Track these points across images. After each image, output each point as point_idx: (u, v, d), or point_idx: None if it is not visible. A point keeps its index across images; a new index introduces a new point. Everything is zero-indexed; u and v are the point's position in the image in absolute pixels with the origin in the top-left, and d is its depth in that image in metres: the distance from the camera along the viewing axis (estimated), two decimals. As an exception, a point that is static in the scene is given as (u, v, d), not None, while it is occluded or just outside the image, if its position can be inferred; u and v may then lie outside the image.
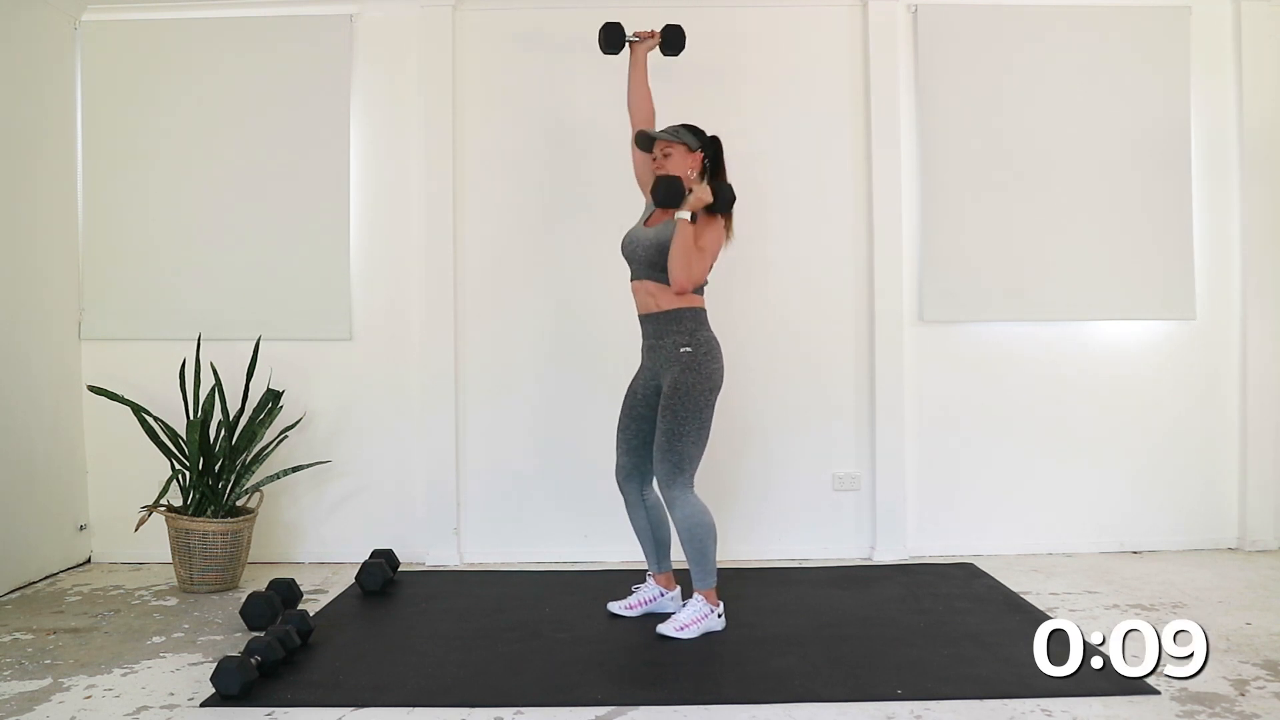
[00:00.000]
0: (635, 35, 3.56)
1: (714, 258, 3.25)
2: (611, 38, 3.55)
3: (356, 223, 4.25)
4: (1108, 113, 4.23)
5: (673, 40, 3.63)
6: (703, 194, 3.16)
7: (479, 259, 4.24)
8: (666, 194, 3.15)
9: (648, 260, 3.23)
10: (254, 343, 4.08)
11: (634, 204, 3.57)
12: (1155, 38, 4.26)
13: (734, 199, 3.23)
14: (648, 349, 3.32)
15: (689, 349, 3.17)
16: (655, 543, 3.41)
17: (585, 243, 4.16)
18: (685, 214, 3.14)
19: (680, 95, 3.96)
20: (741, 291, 4.19)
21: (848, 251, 4.26)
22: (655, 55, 3.65)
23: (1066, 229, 4.22)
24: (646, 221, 3.35)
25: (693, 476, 3.19)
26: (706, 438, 3.19)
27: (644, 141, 3.38)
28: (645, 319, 3.29)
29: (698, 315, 3.23)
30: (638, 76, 3.53)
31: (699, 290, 3.25)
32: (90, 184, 4.26)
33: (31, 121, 4.03)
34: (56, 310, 4.16)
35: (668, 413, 3.15)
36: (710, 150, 3.31)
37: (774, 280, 4.25)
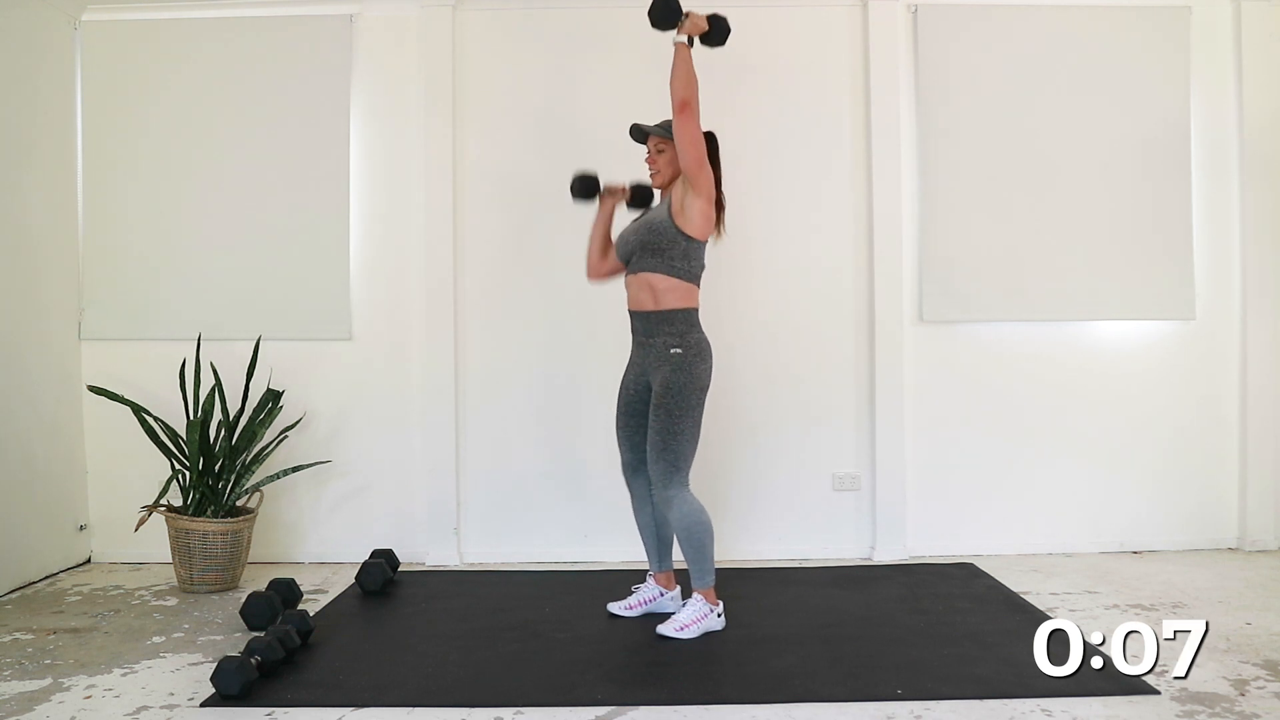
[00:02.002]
0: (606, 189, 3.52)
1: (710, 188, 3.18)
2: (585, 187, 3.50)
3: (356, 222, 4.26)
4: (1108, 113, 4.24)
5: (718, 31, 3.35)
6: (698, 21, 3.17)
7: (479, 259, 4.25)
8: (663, 12, 3.15)
9: (639, 243, 3.24)
10: (254, 343, 4.08)
11: (626, 180, 3.58)
12: (1155, 38, 4.26)
13: (728, 31, 3.23)
14: (637, 345, 3.33)
15: (679, 350, 3.17)
16: (658, 540, 3.42)
17: (585, 242, 4.15)
18: (682, 38, 3.15)
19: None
20: (742, 291, 4.20)
21: (848, 251, 4.26)
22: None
23: (1066, 229, 4.22)
24: (635, 221, 3.39)
25: (688, 475, 3.19)
26: (698, 436, 3.20)
27: (638, 134, 3.38)
28: (637, 315, 3.29)
29: (690, 317, 3.23)
30: (601, 228, 3.51)
31: (693, 280, 3.24)
32: (90, 184, 4.26)
33: (31, 121, 4.03)
34: (56, 310, 4.16)
35: (660, 413, 3.15)
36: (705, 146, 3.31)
37: (774, 280, 4.25)
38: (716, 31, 3.23)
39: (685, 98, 3.11)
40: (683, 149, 3.12)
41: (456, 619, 3.40)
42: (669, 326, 3.20)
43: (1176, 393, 4.29)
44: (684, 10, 3.18)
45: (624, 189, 3.53)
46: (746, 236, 4.10)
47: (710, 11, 3.23)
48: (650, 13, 3.19)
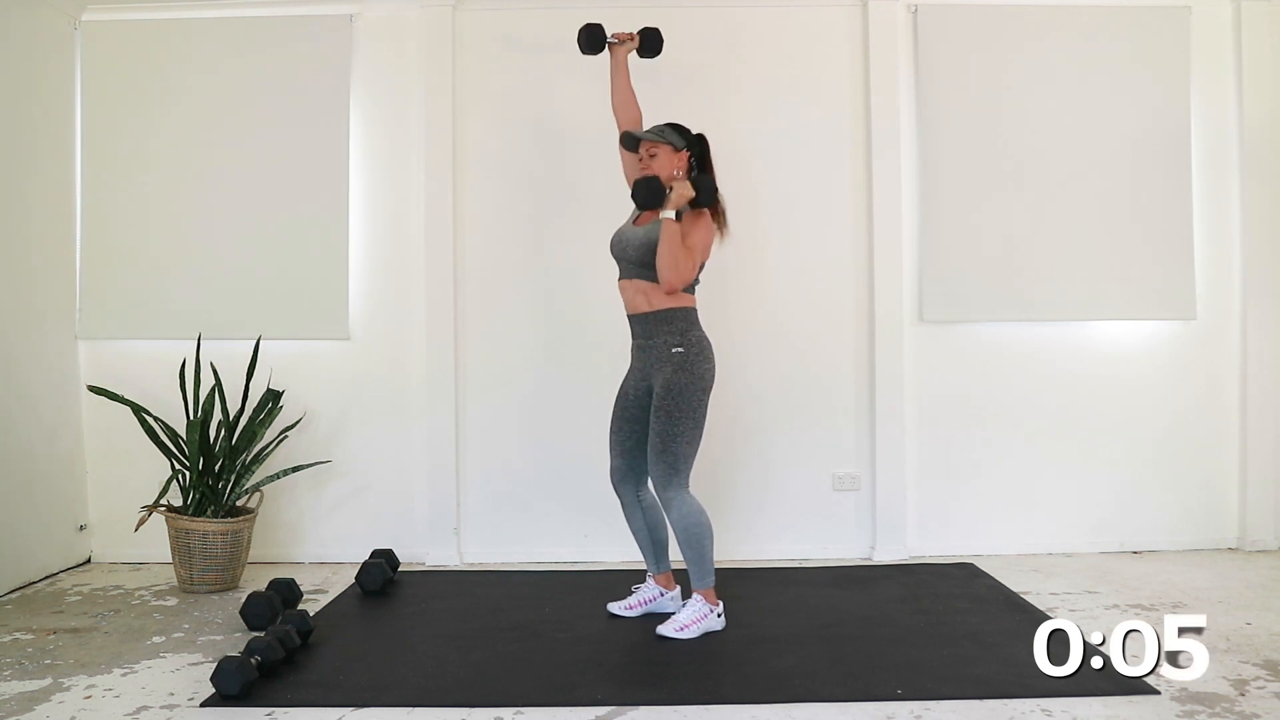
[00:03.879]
0: (614, 37, 3.55)
1: (704, 254, 3.24)
2: (592, 39, 3.53)
3: (356, 222, 4.25)
4: (1108, 113, 4.23)
5: (650, 43, 3.61)
6: (684, 191, 3.15)
7: (478, 258, 4.24)
8: (646, 195, 3.14)
9: (638, 259, 3.22)
10: (254, 343, 4.08)
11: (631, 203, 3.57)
12: (1155, 38, 4.26)
13: (716, 190, 3.22)
14: (637, 349, 3.32)
15: (681, 349, 3.17)
16: (653, 543, 3.41)
17: (586, 242, 4.16)
18: (670, 213, 3.13)
19: (680, 95, 3.98)
20: (742, 292, 4.20)
21: (848, 251, 4.26)
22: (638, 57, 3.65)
23: (1066, 229, 4.22)
24: (636, 220, 3.35)
25: (688, 476, 3.19)
26: (700, 437, 3.19)
27: (629, 142, 3.38)
28: (634, 318, 3.29)
29: (689, 315, 3.22)
30: (620, 78, 3.54)
31: (690, 289, 3.24)
32: (89, 183, 4.25)
33: (31, 121, 4.03)
34: (56, 310, 4.16)
35: (661, 413, 3.14)
36: (696, 149, 3.31)
37: (774, 280, 4.25)
38: (703, 196, 3.18)
39: (672, 285, 3.12)
40: (690, 254, 3.16)
41: (456, 619, 3.40)
42: (668, 325, 3.20)
43: (1176, 392, 4.29)
44: (667, 191, 3.16)
45: (632, 36, 3.53)
46: (747, 236, 4.08)
47: (694, 180, 3.21)
48: (634, 196, 3.18)
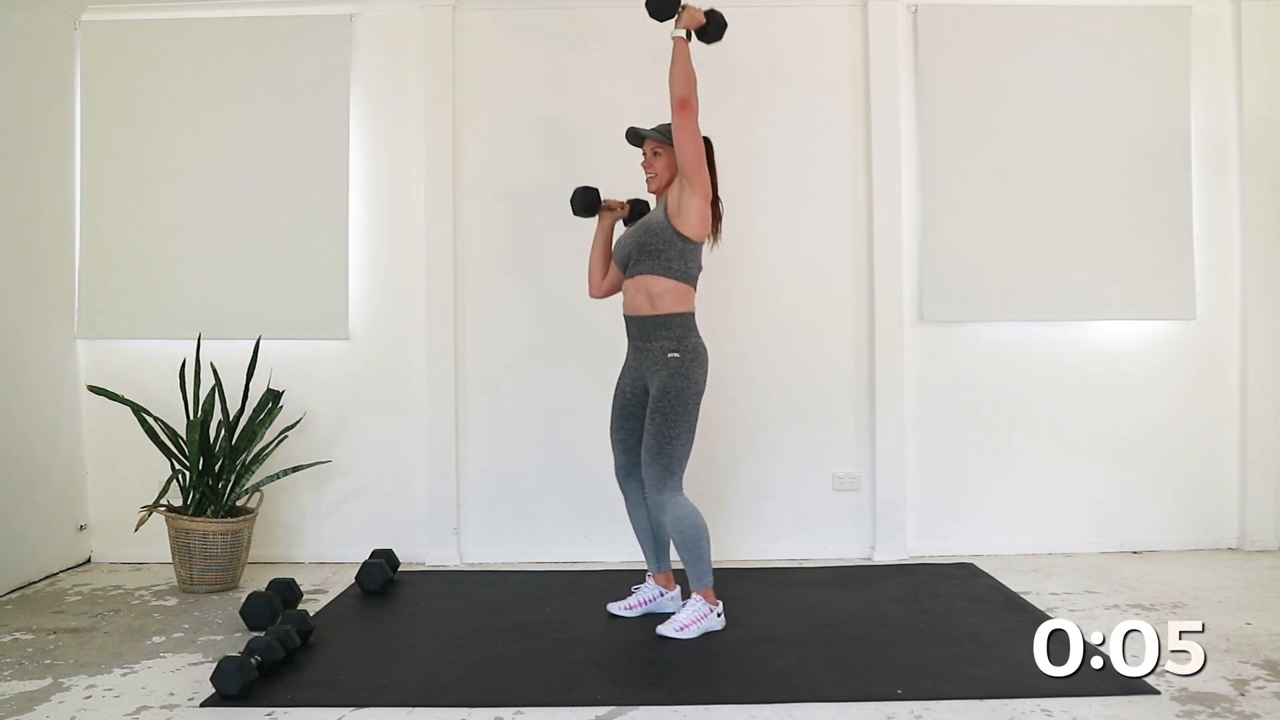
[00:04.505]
0: (606, 204, 3.50)
1: (707, 188, 3.18)
2: (587, 202, 3.48)
3: (356, 222, 4.25)
4: (1108, 112, 4.23)
5: (714, 27, 3.40)
6: (696, 13, 3.18)
7: (478, 258, 4.25)
8: (661, 2, 3.16)
9: (637, 244, 3.23)
10: (254, 343, 4.08)
11: (625, 197, 3.57)
12: (1155, 38, 4.26)
13: (724, 25, 3.24)
14: (633, 350, 3.32)
15: (677, 354, 3.17)
16: (655, 542, 3.41)
17: (586, 242, 4.13)
18: (680, 32, 3.16)
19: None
20: (741, 292, 4.20)
21: (848, 251, 4.26)
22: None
23: (1066, 229, 4.22)
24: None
25: (681, 479, 3.19)
26: (693, 440, 3.20)
27: (634, 138, 3.38)
28: (633, 320, 3.28)
29: (686, 321, 3.22)
30: (603, 242, 3.51)
31: (689, 280, 3.23)
32: (89, 183, 4.26)
33: (31, 121, 4.03)
34: (56, 310, 4.16)
35: (656, 416, 3.15)
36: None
37: (774, 280, 4.25)
38: (713, 26, 3.24)
39: (684, 95, 3.11)
40: (681, 147, 3.12)
41: (456, 619, 3.40)
42: (666, 331, 3.20)
43: (1176, 392, 4.29)
44: (682, 3, 3.19)
45: (623, 205, 3.51)
46: (747, 236, 4.10)
47: (708, 7, 3.23)
48: (649, 4, 3.20)
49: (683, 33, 3.16)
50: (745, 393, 4.21)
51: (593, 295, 3.56)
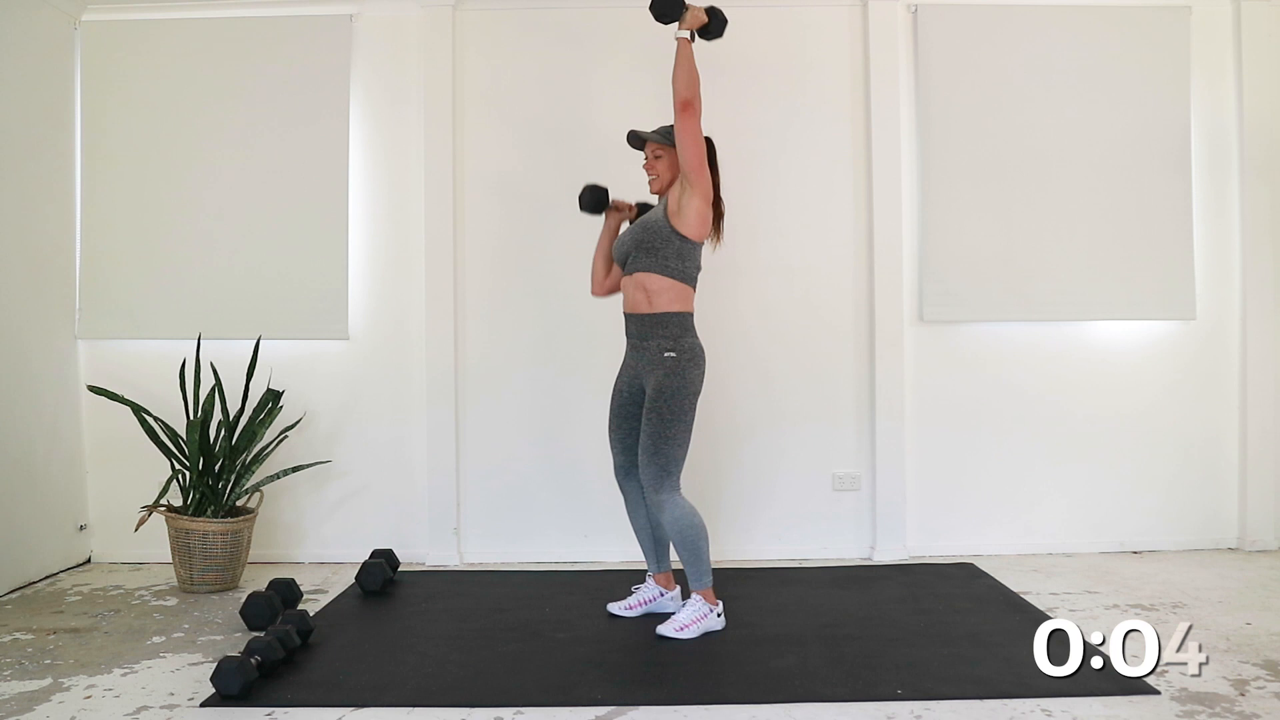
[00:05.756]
0: (614, 204, 3.50)
1: (708, 189, 3.19)
2: (595, 199, 3.49)
3: (355, 222, 4.25)
4: (1108, 113, 4.23)
5: (716, 25, 3.35)
6: (698, 13, 3.18)
7: (478, 259, 4.25)
8: (665, 4, 3.16)
9: (635, 242, 3.24)
10: (254, 343, 4.08)
11: (632, 199, 3.57)
12: (1155, 38, 4.26)
13: (726, 23, 3.24)
14: (631, 348, 3.32)
15: (673, 354, 3.17)
16: (655, 542, 3.42)
17: (585, 242, 4.12)
18: (684, 33, 3.16)
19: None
20: (742, 292, 4.20)
21: (848, 251, 4.26)
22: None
23: (1066, 229, 4.22)
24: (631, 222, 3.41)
25: (679, 478, 3.19)
26: (689, 440, 3.20)
27: (635, 141, 3.38)
28: (631, 318, 3.29)
29: (684, 321, 3.22)
30: (608, 242, 3.51)
31: (689, 280, 3.23)
32: (89, 183, 4.26)
33: (31, 121, 4.03)
34: (57, 310, 4.16)
35: (653, 416, 3.15)
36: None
37: (774, 280, 4.25)
38: (715, 24, 3.24)
39: (687, 96, 3.11)
40: (683, 147, 3.12)
41: (456, 619, 3.40)
42: (663, 330, 3.20)
43: (1177, 393, 4.29)
44: (685, 4, 3.19)
45: (631, 207, 3.51)
46: (747, 236, 4.10)
47: (708, 4, 3.24)
48: (652, 6, 3.20)
49: (686, 34, 3.17)
50: (745, 392, 4.21)
51: (594, 293, 3.57)
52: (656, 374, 3.18)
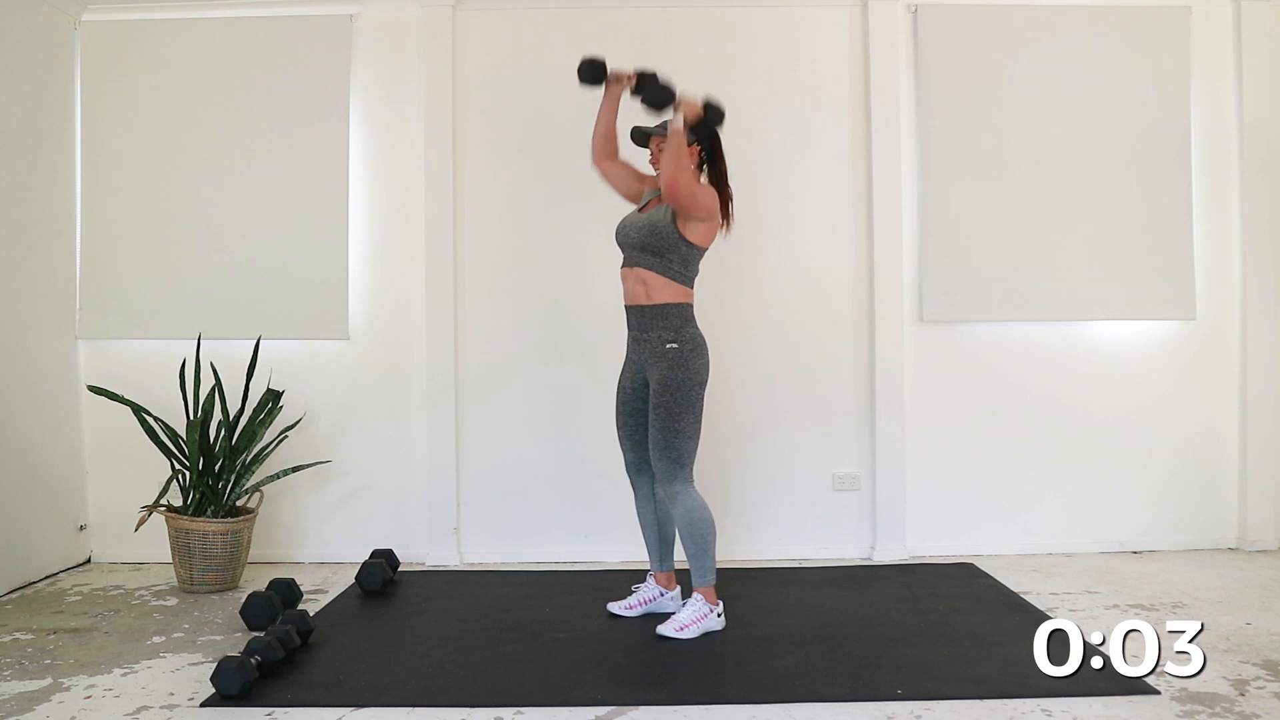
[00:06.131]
0: (613, 74, 3.47)
1: (710, 211, 3.19)
2: (593, 71, 3.46)
3: (356, 222, 4.25)
4: (1108, 112, 4.23)
5: (649, 91, 3.28)
6: (693, 106, 3.16)
7: (478, 259, 4.24)
8: (654, 93, 3.13)
9: (639, 242, 3.23)
10: (254, 343, 4.08)
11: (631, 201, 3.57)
12: (1155, 38, 4.26)
13: (724, 114, 3.21)
14: (633, 340, 3.32)
15: (675, 345, 3.17)
16: (660, 539, 3.42)
17: (585, 241, 4.16)
18: (678, 122, 3.14)
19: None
20: (742, 291, 4.20)
21: (848, 251, 4.26)
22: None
23: (1066, 229, 4.22)
24: (642, 209, 3.37)
25: (691, 471, 3.19)
26: (699, 431, 3.20)
27: (639, 138, 3.38)
28: (631, 310, 3.29)
29: (684, 311, 3.22)
30: (609, 115, 3.50)
31: (688, 281, 3.23)
32: (89, 183, 4.25)
33: (31, 121, 4.03)
34: (57, 310, 4.16)
35: (660, 410, 3.15)
36: (706, 144, 3.31)
37: (774, 280, 4.25)
38: (711, 116, 3.19)
39: (672, 181, 3.09)
40: (685, 209, 3.14)
41: (456, 619, 3.40)
42: (664, 321, 3.20)
43: (1176, 393, 4.29)
44: (676, 95, 3.16)
45: (630, 76, 3.40)
46: (747, 236, 4.10)
47: (705, 99, 3.19)
48: (644, 99, 3.18)
49: (680, 123, 3.13)
50: (745, 392, 4.21)
51: (593, 163, 3.53)
52: (660, 367, 3.18)
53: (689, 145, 3.20)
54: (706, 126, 3.22)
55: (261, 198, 4.23)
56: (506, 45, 4.26)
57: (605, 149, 3.50)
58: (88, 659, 3.01)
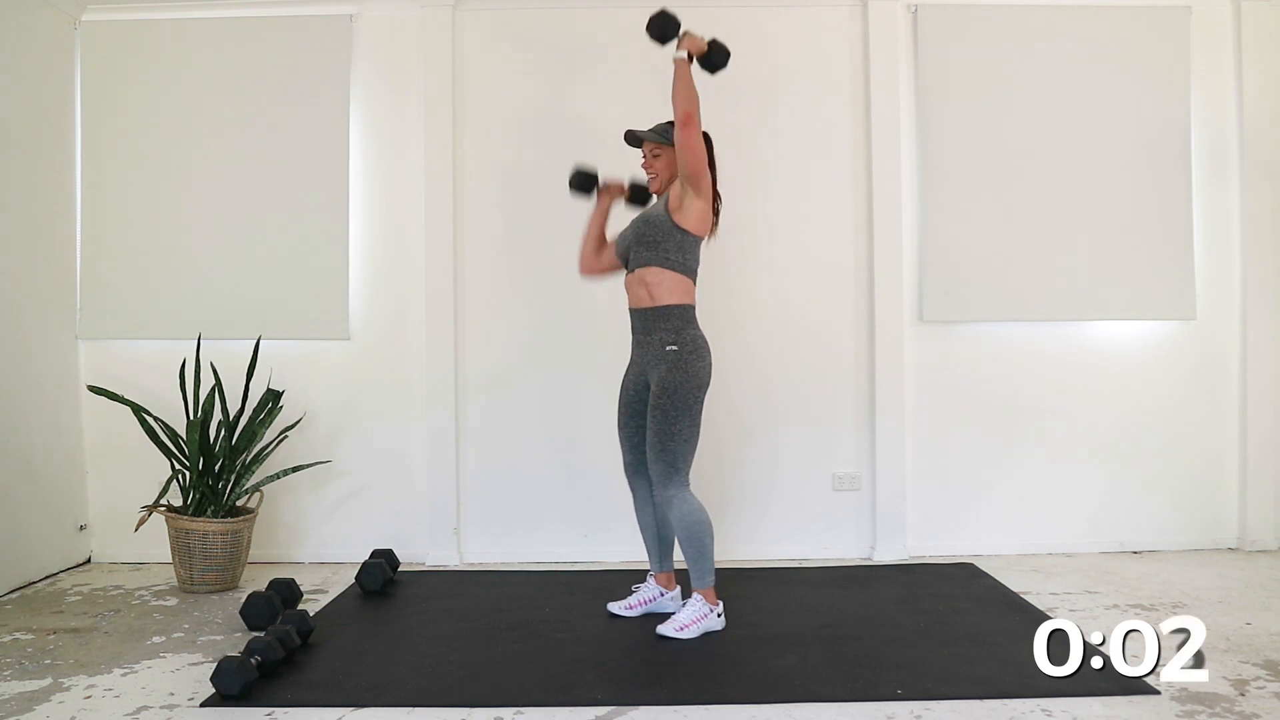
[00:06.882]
0: (604, 184, 3.50)
1: (707, 181, 3.21)
2: (584, 181, 3.49)
3: (356, 222, 4.26)
4: (1108, 113, 4.23)
5: (717, 56, 3.29)
6: (697, 40, 3.18)
7: (479, 259, 4.25)
8: (661, 26, 3.15)
9: (636, 237, 3.26)
10: (254, 343, 4.08)
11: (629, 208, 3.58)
12: (1155, 38, 4.26)
13: (729, 55, 3.22)
14: (636, 343, 3.34)
15: (675, 347, 3.18)
16: (659, 540, 3.42)
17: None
18: (681, 54, 3.16)
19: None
20: (742, 291, 4.20)
21: (848, 251, 4.26)
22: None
23: (1066, 229, 4.22)
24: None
25: (688, 475, 3.19)
26: (698, 435, 3.20)
27: (632, 141, 3.39)
28: (635, 313, 3.31)
29: (685, 313, 3.23)
30: (598, 225, 3.50)
31: (689, 273, 3.24)
32: (89, 183, 4.26)
33: (31, 121, 4.03)
34: (57, 310, 4.16)
35: (658, 412, 3.15)
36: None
37: (774, 280, 4.25)
38: (716, 54, 3.22)
39: (687, 110, 3.12)
40: (684, 158, 3.14)
41: (456, 619, 3.40)
42: (665, 323, 3.20)
43: (1176, 393, 4.29)
44: (682, 28, 3.19)
45: (622, 186, 3.52)
46: (747, 236, 4.11)
47: (712, 37, 3.22)
48: (649, 27, 3.21)
49: (684, 54, 3.16)
50: (745, 393, 4.21)
51: (583, 273, 3.55)
52: (660, 369, 3.18)
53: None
54: (711, 65, 3.23)
55: (261, 198, 4.23)
56: (506, 45, 4.26)
57: (594, 259, 3.51)
58: (88, 659, 3.01)
